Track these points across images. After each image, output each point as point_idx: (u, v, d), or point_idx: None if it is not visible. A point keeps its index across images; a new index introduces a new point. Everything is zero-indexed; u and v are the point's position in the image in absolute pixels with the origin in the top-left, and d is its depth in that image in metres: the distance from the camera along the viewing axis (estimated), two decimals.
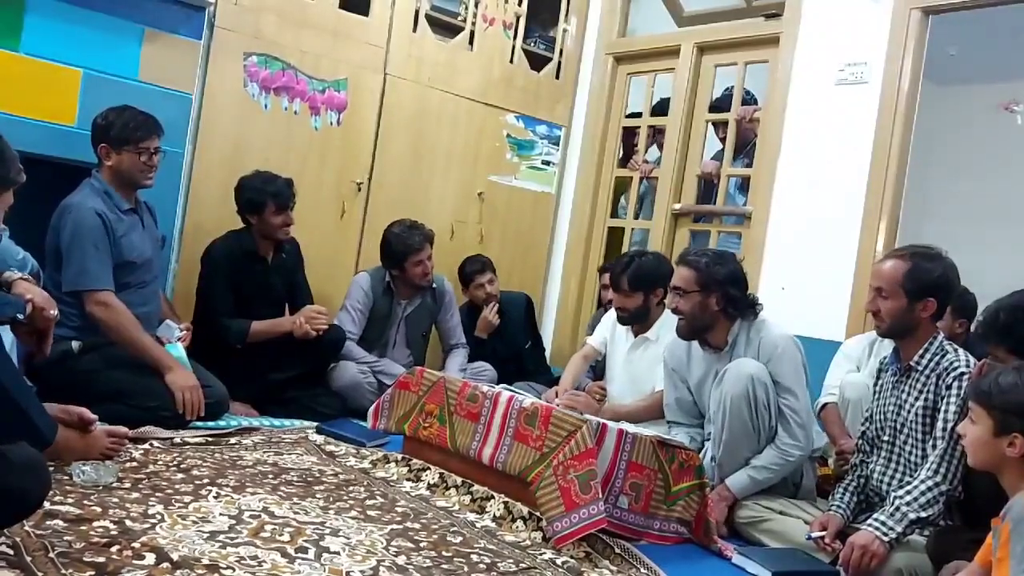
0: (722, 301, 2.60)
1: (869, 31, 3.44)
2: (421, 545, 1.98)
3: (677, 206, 4.13)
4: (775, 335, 2.59)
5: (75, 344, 2.68)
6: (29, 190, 2.70)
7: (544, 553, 2.06)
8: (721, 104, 4.10)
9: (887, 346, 2.85)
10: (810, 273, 3.48)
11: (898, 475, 2.29)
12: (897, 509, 2.09)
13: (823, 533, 2.24)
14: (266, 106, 3.63)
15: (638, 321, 3.18)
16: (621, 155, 4.54)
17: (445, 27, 4.18)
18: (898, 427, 2.30)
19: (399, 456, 2.68)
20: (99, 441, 2.22)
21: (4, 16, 2.95)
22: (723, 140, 4.07)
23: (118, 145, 2.79)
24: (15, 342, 2.22)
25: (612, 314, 3.30)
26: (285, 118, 3.68)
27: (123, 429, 2.33)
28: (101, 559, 1.60)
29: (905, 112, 3.35)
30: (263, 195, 3.24)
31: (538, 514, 2.19)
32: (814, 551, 2.26)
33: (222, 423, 2.87)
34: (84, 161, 2.91)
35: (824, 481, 2.71)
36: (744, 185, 3.99)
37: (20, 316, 2.02)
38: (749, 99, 4.02)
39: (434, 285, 3.67)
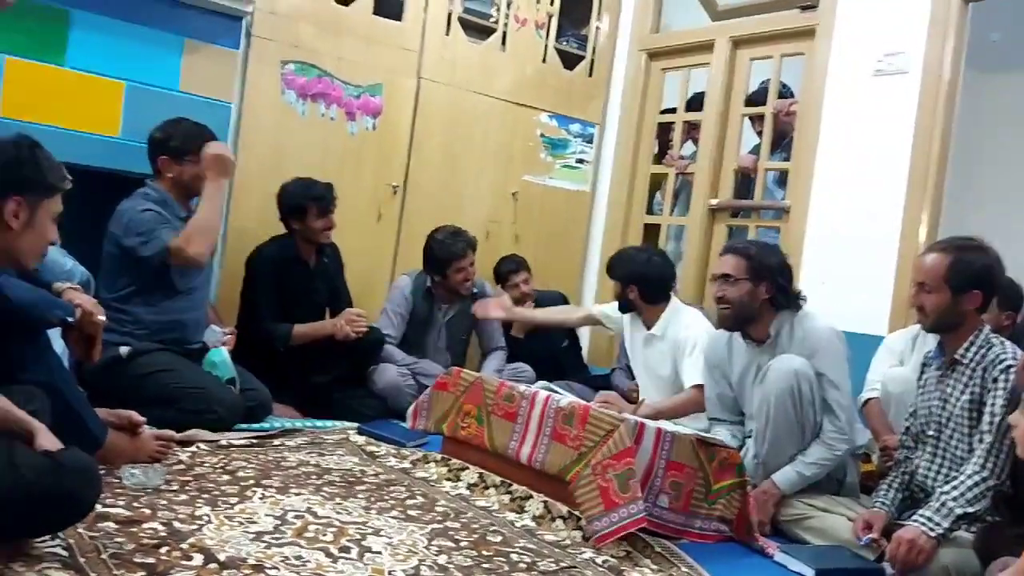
0: (771, 290, 2.58)
1: (908, 19, 3.38)
2: (461, 544, 2.00)
3: (714, 201, 4.10)
4: (820, 327, 2.57)
5: (123, 350, 2.75)
6: (77, 201, 2.77)
7: (584, 552, 2.06)
8: (757, 98, 4.05)
9: (931, 340, 2.79)
10: (851, 267, 3.44)
11: (944, 470, 2.25)
12: (943, 504, 2.05)
13: (875, 536, 2.21)
14: (303, 113, 3.68)
15: (624, 309, 3.28)
16: (656, 151, 4.52)
17: (478, 29, 4.20)
18: (944, 421, 2.26)
19: (438, 456, 2.70)
20: (147, 444, 2.28)
21: (50, 32, 3.04)
22: (760, 134, 4.03)
23: (178, 156, 2.87)
24: (65, 350, 2.30)
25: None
26: (322, 124, 3.73)
27: (170, 432, 2.39)
28: (151, 560, 1.64)
29: (946, 101, 3.29)
30: (304, 200, 3.30)
31: (577, 513, 2.20)
32: (858, 548, 2.24)
33: (266, 425, 2.92)
34: (130, 171, 2.99)
35: (868, 478, 2.68)
36: (782, 179, 3.95)
37: (70, 319, 2.09)
38: (785, 92, 3.98)
39: (475, 290, 3.69)
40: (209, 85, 3.39)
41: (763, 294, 2.58)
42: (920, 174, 3.30)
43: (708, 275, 4.08)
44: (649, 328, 3.22)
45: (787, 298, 2.61)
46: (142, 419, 2.28)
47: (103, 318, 2.16)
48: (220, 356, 2.90)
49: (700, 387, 2.96)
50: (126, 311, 2.78)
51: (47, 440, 1.65)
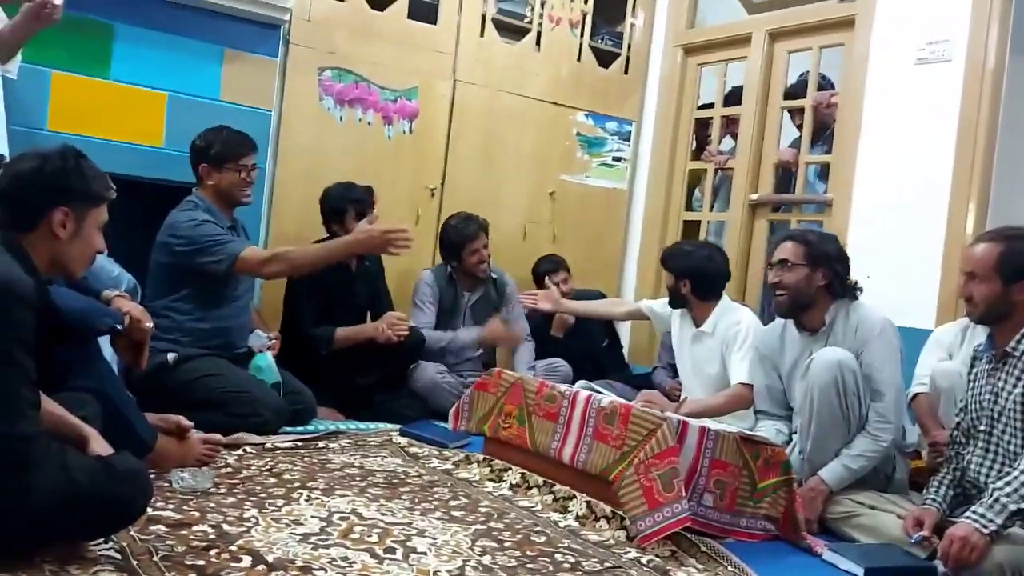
0: (828, 277, 2.56)
1: (950, 6, 3.31)
2: (505, 545, 2.00)
3: (754, 196, 4.06)
4: (874, 317, 2.55)
5: (171, 356, 2.79)
6: (123, 210, 2.83)
7: (629, 552, 2.05)
8: (796, 91, 4.00)
9: (980, 332, 2.74)
10: (896, 260, 3.37)
11: (996, 466, 2.19)
12: (996, 500, 2.00)
13: (925, 533, 2.17)
14: (341, 118, 3.72)
15: (676, 304, 3.26)
16: (694, 147, 4.48)
17: (512, 30, 4.20)
18: (995, 416, 2.20)
19: (480, 457, 2.71)
20: (195, 448, 2.32)
21: (94, 46, 3.11)
22: (800, 127, 3.98)
23: (219, 164, 2.91)
24: (115, 356, 2.35)
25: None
26: (359, 129, 3.76)
27: (217, 436, 2.43)
28: (201, 562, 1.68)
29: (992, 89, 3.21)
30: (344, 202, 3.35)
31: (621, 513, 2.19)
32: (909, 546, 2.19)
33: (310, 428, 2.95)
34: (173, 180, 3.05)
35: (918, 474, 2.62)
36: (823, 172, 3.90)
37: (119, 327, 2.15)
38: (825, 84, 3.92)
39: (494, 276, 3.73)
40: (249, 93, 3.44)
41: (819, 280, 2.57)
42: (965, 164, 3.23)
43: (749, 268, 4.05)
44: (698, 325, 3.20)
45: (844, 286, 2.59)
46: (189, 424, 2.32)
47: (150, 325, 2.22)
48: (265, 361, 2.94)
49: (746, 385, 2.94)
50: (173, 318, 2.83)
51: (99, 445, 1.69)
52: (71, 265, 1.76)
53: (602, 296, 4.17)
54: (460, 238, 3.60)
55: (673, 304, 3.29)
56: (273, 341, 3.07)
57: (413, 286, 3.68)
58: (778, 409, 2.75)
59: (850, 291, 2.61)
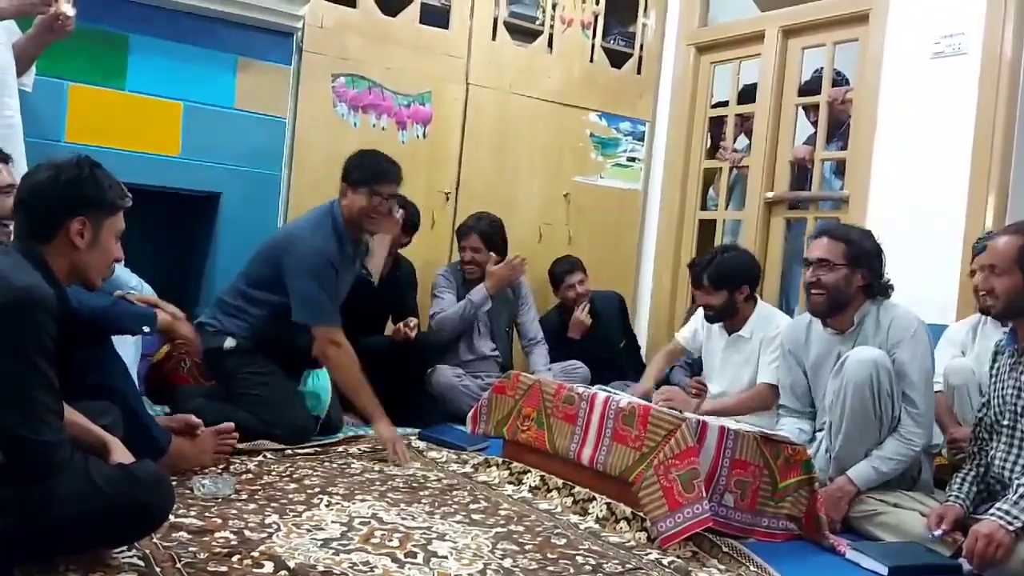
0: (867, 276, 2.51)
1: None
2: (526, 548, 2.00)
3: (770, 194, 4.04)
4: (909, 317, 2.50)
5: (229, 342, 2.76)
6: (141, 220, 2.86)
7: (650, 553, 2.05)
8: (811, 87, 3.98)
9: (992, 328, 2.73)
10: (914, 256, 3.34)
11: (1021, 461, 2.17)
12: (1022, 496, 1.99)
13: (946, 527, 2.14)
14: (355, 124, 3.74)
15: (725, 318, 3.11)
16: (709, 146, 4.47)
17: (524, 32, 4.21)
18: (1019, 411, 2.18)
19: (500, 460, 2.71)
20: (208, 442, 2.34)
21: (110, 58, 3.14)
22: (815, 124, 3.95)
23: (354, 186, 2.81)
24: (136, 359, 2.38)
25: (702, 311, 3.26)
26: (374, 134, 3.77)
27: (228, 424, 2.42)
28: (224, 568, 1.69)
29: (1009, 82, 3.18)
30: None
31: (642, 515, 2.18)
32: (933, 544, 2.17)
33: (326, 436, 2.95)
34: (190, 189, 3.06)
35: (939, 471, 2.60)
36: (839, 169, 3.87)
37: (146, 329, 2.17)
38: (840, 80, 3.90)
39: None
40: (263, 101, 3.46)
41: (859, 281, 2.52)
42: (983, 158, 3.20)
43: (765, 266, 4.03)
44: (735, 331, 3.11)
45: (880, 285, 2.55)
46: (198, 421, 2.34)
47: (181, 315, 2.24)
48: (322, 391, 2.90)
49: (771, 386, 2.91)
50: (249, 312, 2.79)
51: (122, 454, 1.70)
52: (89, 273, 1.77)
53: (620, 298, 4.17)
54: (458, 233, 3.67)
55: (716, 319, 3.13)
56: None
57: (429, 289, 3.69)
58: (800, 405, 2.72)
59: (884, 290, 2.56)
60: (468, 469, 2.69)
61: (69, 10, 2.42)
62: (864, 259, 2.51)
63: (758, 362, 3.07)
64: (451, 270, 3.71)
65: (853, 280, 2.51)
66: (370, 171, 2.83)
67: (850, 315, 2.56)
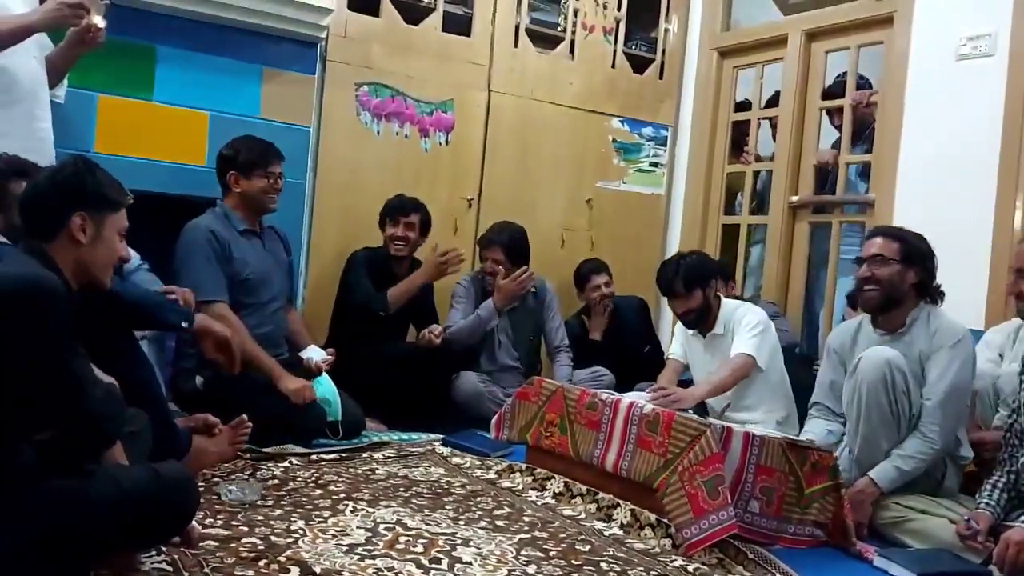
0: (920, 275, 2.52)
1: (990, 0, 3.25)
2: (550, 554, 2.00)
3: (794, 198, 4.01)
4: (956, 327, 2.50)
5: (199, 380, 2.79)
6: (169, 227, 2.90)
7: (675, 560, 2.04)
8: (835, 90, 3.96)
9: None
10: (942, 260, 3.26)
11: None
12: None
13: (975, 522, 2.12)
14: (378, 132, 3.76)
15: (704, 320, 3.17)
16: (732, 150, 4.45)
17: (545, 39, 4.21)
18: None
19: (523, 466, 2.71)
20: (227, 439, 2.36)
21: (138, 69, 3.18)
22: (839, 127, 3.93)
23: (247, 171, 2.96)
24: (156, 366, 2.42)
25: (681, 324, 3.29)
26: (396, 142, 3.80)
27: (241, 417, 2.45)
28: (250, 573, 1.70)
29: None
30: (383, 212, 3.48)
31: (666, 521, 2.17)
32: (963, 551, 2.15)
33: (355, 439, 2.97)
34: (216, 198, 3.10)
35: (968, 478, 2.56)
36: (865, 172, 3.84)
37: (184, 324, 2.20)
38: (864, 83, 3.87)
39: (534, 288, 3.71)
40: (288, 110, 3.49)
41: (911, 279, 2.52)
42: (1011, 160, 3.16)
43: (791, 272, 4.00)
44: (709, 331, 3.17)
45: (932, 288, 2.55)
46: (215, 420, 2.37)
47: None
48: (331, 395, 2.92)
49: (748, 356, 2.99)
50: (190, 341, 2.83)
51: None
52: (95, 271, 1.79)
53: (643, 303, 4.16)
54: (482, 242, 3.68)
55: (696, 323, 3.18)
56: (329, 358, 3.05)
57: (450, 295, 3.70)
58: (836, 405, 2.68)
59: (935, 294, 2.56)
60: (492, 475, 2.70)
61: (100, 22, 2.46)
62: (917, 258, 2.52)
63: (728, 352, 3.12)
64: (472, 280, 3.70)
65: (906, 277, 2.52)
66: (258, 153, 2.96)
67: (902, 316, 2.55)
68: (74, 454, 1.55)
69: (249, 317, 2.91)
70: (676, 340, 3.36)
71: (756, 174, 4.28)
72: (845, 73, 3.90)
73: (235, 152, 2.98)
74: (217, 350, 2.27)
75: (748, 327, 3.06)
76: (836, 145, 3.93)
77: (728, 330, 3.13)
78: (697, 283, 3.11)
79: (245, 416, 2.46)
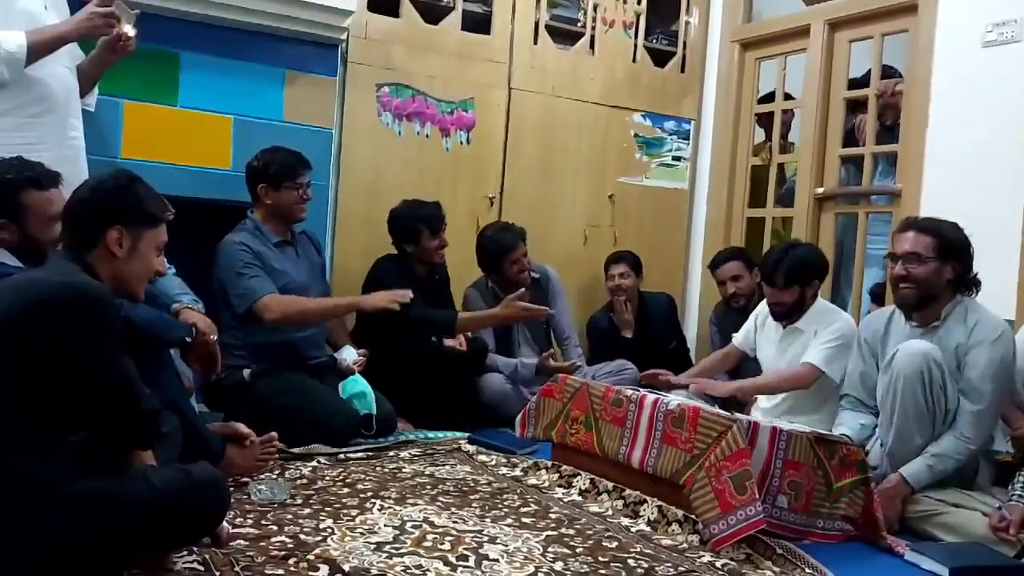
0: (958, 270, 2.47)
1: None
2: (577, 551, 2.00)
3: (820, 190, 3.97)
4: (996, 321, 2.46)
5: (247, 372, 2.87)
6: (195, 231, 2.93)
7: (703, 556, 2.03)
8: (859, 80, 3.91)
9: None
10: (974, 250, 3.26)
11: None
12: None
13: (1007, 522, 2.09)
14: (400, 133, 3.78)
15: (794, 315, 3.05)
16: (756, 143, 4.41)
17: (565, 35, 4.21)
18: None
19: (549, 463, 2.71)
20: (255, 451, 2.39)
21: (162, 75, 3.22)
22: (864, 118, 3.88)
23: (276, 183, 2.98)
24: (186, 372, 2.45)
25: (762, 309, 3.22)
26: (418, 142, 3.82)
27: (271, 434, 2.47)
28: (280, 571, 1.72)
29: None
30: (415, 222, 3.39)
31: (694, 517, 2.17)
32: (996, 544, 2.12)
33: (383, 438, 2.99)
34: (241, 201, 3.13)
35: (1002, 470, 2.53)
36: (891, 163, 3.80)
37: (188, 339, 2.24)
38: (893, 72, 3.82)
39: (536, 275, 3.69)
40: (310, 113, 3.51)
41: (948, 274, 2.48)
42: None
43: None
44: (791, 323, 3.06)
45: (969, 280, 2.50)
46: (249, 431, 2.40)
47: (215, 337, 2.31)
48: (363, 388, 2.95)
49: (812, 367, 2.89)
50: (239, 336, 2.89)
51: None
52: (130, 284, 1.83)
53: (670, 299, 4.15)
54: (498, 249, 3.57)
55: (784, 316, 3.05)
56: (362, 358, 3.09)
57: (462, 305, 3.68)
58: (866, 397, 2.66)
59: (971, 284, 2.52)
60: (518, 472, 2.70)
61: (130, 31, 2.51)
62: (954, 252, 2.47)
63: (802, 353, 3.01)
64: (480, 292, 3.65)
65: (943, 273, 2.47)
66: (287, 166, 3.00)
67: (937, 309, 2.51)
68: (114, 454, 1.59)
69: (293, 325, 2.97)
70: (745, 327, 3.30)
71: (780, 166, 4.25)
72: (870, 71, 3.84)
73: (264, 165, 3.00)
74: (196, 359, 2.34)
75: (830, 335, 2.93)
76: (862, 135, 3.89)
77: (809, 330, 3.01)
78: (797, 279, 2.98)
79: (275, 434, 2.49)
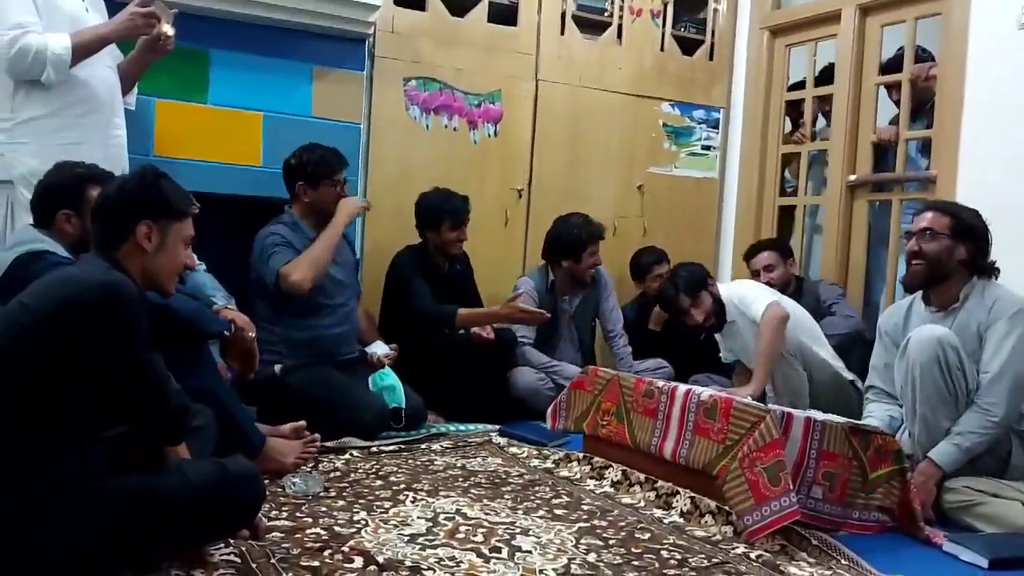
0: (970, 251, 2.46)
1: None
2: (610, 543, 2.00)
3: (852, 177, 3.92)
4: (1015, 297, 2.43)
5: (278, 368, 2.90)
6: (226, 226, 2.96)
7: (736, 547, 2.02)
8: (892, 65, 3.85)
9: None
10: (1009, 236, 3.16)
11: None
12: None
13: None
14: (427, 126, 3.79)
15: (718, 326, 3.30)
16: (787, 130, 4.36)
17: (592, 25, 4.18)
18: None
19: (580, 455, 2.71)
20: (295, 448, 2.41)
21: (193, 73, 3.25)
22: (897, 103, 3.82)
23: (314, 181, 3.01)
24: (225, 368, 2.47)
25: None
26: (446, 136, 3.82)
27: (315, 436, 2.50)
28: (316, 563, 1.74)
29: None
30: (440, 212, 3.41)
31: (727, 508, 2.15)
32: None
33: (412, 431, 3.01)
34: (272, 196, 3.16)
35: None
36: (925, 148, 3.73)
37: (226, 332, 2.26)
38: (925, 56, 3.75)
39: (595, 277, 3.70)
40: (339, 108, 3.53)
41: (961, 254, 2.47)
42: None
43: (850, 252, 3.91)
44: (723, 324, 3.33)
45: (984, 264, 2.49)
46: (301, 423, 2.43)
47: (254, 334, 2.33)
48: (393, 381, 2.98)
49: (768, 308, 3.05)
50: (275, 331, 2.93)
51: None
52: (160, 278, 1.84)
53: None
54: (587, 237, 3.55)
55: (719, 327, 3.35)
56: (393, 353, 3.12)
57: (502, 285, 3.68)
58: (892, 388, 2.63)
59: (989, 270, 2.50)
60: (549, 464, 2.70)
61: (170, 30, 2.55)
62: (969, 234, 2.46)
63: (750, 326, 3.18)
64: (537, 283, 3.60)
65: (955, 253, 2.46)
66: (325, 164, 3.02)
67: (954, 291, 2.49)
68: (150, 449, 1.62)
69: (325, 319, 3.02)
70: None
71: (811, 153, 4.19)
72: (903, 46, 3.78)
73: (302, 163, 3.02)
74: (235, 356, 2.36)
75: (748, 298, 3.16)
76: (895, 121, 3.83)
77: (736, 313, 3.22)
78: (698, 287, 3.24)
79: (319, 436, 2.51)
